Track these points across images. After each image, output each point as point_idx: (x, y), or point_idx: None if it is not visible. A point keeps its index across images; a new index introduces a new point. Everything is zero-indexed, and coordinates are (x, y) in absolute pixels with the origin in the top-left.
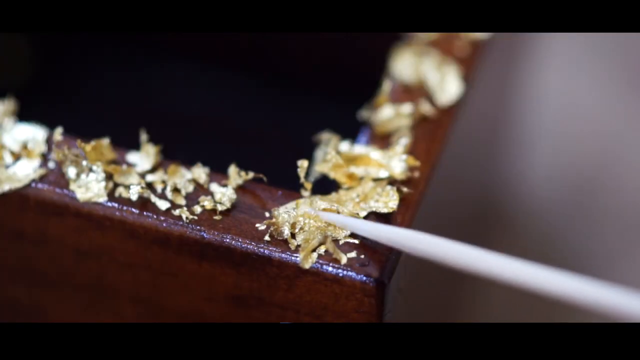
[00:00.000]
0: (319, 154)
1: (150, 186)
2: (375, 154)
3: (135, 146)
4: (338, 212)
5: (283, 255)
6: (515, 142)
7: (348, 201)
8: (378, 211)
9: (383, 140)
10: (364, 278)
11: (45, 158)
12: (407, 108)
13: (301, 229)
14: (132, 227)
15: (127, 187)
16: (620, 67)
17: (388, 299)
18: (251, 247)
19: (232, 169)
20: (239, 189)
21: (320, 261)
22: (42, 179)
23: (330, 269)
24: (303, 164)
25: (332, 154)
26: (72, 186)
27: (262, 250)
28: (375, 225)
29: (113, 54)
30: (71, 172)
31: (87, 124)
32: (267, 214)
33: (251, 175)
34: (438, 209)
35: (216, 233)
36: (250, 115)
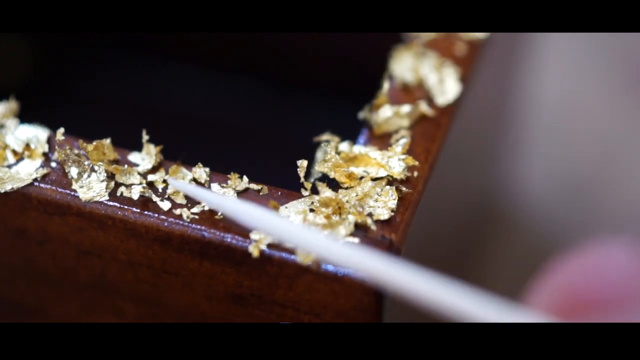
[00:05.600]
0: (319, 154)
1: (151, 186)
2: (374, 154)
3: (137, 146)
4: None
5: (283, 254)
6: (514, 142)
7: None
8: (377, 210)
9: (382, 140)
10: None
11: (47, 158)
12: (406, 108)
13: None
14: (134, 227)
15: (129, 186)
16: (619, 67)
17: (387, 298)
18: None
19: (233, 175)
20: None
21: None
22: (44, 178)
23: (330, 267)
24: (303, 164)
25: (331, 154)
26: (74, 186)
27: (262, 249)
28: (217, 196)
29: (114, 54)
30: (73, 171)
31: (89, 124)
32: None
33: (252, 185)
34: (437, 208)
35: (217, 232)
36: (251, 115)
